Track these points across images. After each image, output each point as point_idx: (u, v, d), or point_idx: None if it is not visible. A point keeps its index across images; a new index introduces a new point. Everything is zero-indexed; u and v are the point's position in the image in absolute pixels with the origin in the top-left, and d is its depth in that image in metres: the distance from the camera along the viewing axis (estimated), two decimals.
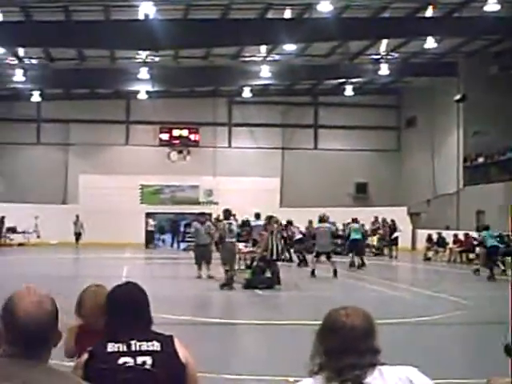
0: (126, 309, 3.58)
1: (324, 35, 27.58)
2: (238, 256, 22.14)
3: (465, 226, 34.10)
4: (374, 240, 37.59)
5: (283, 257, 21.42)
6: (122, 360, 3.41)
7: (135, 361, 3.41)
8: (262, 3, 28.00)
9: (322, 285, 21.99)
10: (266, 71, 35.55)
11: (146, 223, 41.99)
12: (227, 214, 21.16)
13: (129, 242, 38.41)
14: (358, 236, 28.71)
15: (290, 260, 29.58)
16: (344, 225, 33.58)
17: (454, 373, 9.23)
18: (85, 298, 4.42)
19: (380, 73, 36.08)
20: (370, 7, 28.35)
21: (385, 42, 32.81)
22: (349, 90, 41.10)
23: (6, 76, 35.97)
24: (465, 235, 31.39)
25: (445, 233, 33.51)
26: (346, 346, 2.85)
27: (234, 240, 20.63)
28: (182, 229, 43.50)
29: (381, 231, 37.04)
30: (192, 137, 44.68)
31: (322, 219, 25.32)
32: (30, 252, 33.96)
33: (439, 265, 30.21)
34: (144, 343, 3.47)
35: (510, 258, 25.85)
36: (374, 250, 37.29)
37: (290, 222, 31.73)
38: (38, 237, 38.90)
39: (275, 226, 20.87)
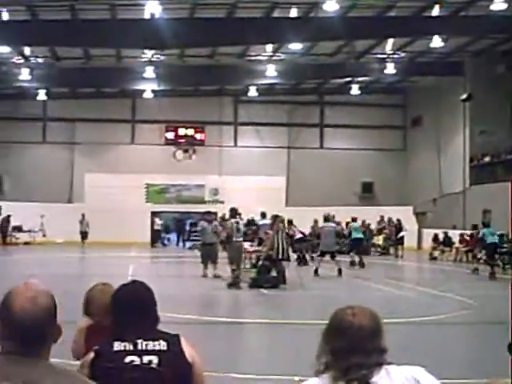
0: (132, 307, 3.57)
1: (330, 34, 27.53)
2: (243, 255, 22.13)
3: (471, 225, 33.99)
4: (379, 239, 37.58)
5: (289, 256, 21.39)
6: (128, 359, 3.40)
7: (141, 360, 3.40)
8: (267, 2, 27.99)
9: (327, 284, 21.99)
10: (271, 70, 35.52)
11: (153, 222, 42.04)
12: (234, 212, 21.13)
13: (134, 240, 38.47)
14: (360, 235, 28.83)
15: (288, 259, 29.59)
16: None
17: (460, 372, 9.21)
18: (92, 296, 4.42)
19: (386, 72, 36.01)
20: (376, 6, 28.32)
21: (391, 41, 32.74)
22: (355, 89, 41.05)
23: (12, 75, 36.04)
24: (470, 235, 31.34)
25: (451, 232, 33.44)
26: (352, 345, 2.85)
27: (240, 239, 20.64)
28: (187, 228, 43.59)
29: (386, 231, 37.02)
30: (198, 136, 44.67)
31: (327, 218, 25.43)
32: (36, 251, 34.01)
33: (445, 264, 30.16)
34: (150, 342, 3.46)
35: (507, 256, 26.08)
36: (379, 249, 37.29)
37: (290, 222, 31.72)
38: (44, 236, 38.99)
39: (281, 225, 20.86)
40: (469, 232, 31.89)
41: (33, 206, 38.80)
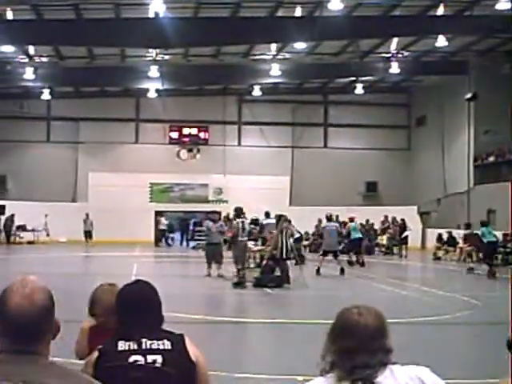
0: (136, 307, 3.56)
1: (334, 33, 27.52)
2: (248, 254, 22.15)
3: (475, 225, 33.94)
4: (383, 239, 37.57)
5: (292, 255, 21.43)
6: (132, 358, 3.39)
7: (146, 359, 3.39)
8: (272, 1, 27.98)
9: (331, 284, 22.01)
10: (276, 69, 35.49)
11: (158, 222, 42.08)
12: (239, 212, 21.11)
13: (138, 240, 38.52)
14: (359, 235, 29.00)
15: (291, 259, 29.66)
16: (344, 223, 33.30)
17: (464, 373, 9.19)
18: (98, 296, 4.40)
19: (390, 71, 35.93)
20: (381, 5, 28.28)
21: (395, 40, 32.69)
22: (359, 89, 40.99)
23: (16, 74, 36.06)
24: (475, 234, 31.31)
25: (455, 232, 33.40)
26: (359, 345, 2.84)
27: (245, 239, 20.67)
28: (191, 227, 43.59)
29: (391, 230, 37.00)
30: (202, 135, 44.66)
31: (329, 218, 25.54)
32: (40, 250, 34.04)
33: (449, 264, 30.11)
34: (155, 342, 3.45)
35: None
36: (383, 249, 37.28)
37: (289, 221, 31.71)
38: (48, 235, 39.03)
39: (285, 224, 20.85)
40: (461, 232, 31.96)
41: (36, 206, 38.87)
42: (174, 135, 44.44)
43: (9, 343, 2.41)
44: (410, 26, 28.50)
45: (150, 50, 33.58)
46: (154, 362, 3.39)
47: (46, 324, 2.46)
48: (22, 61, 35.38)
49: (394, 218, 37.45)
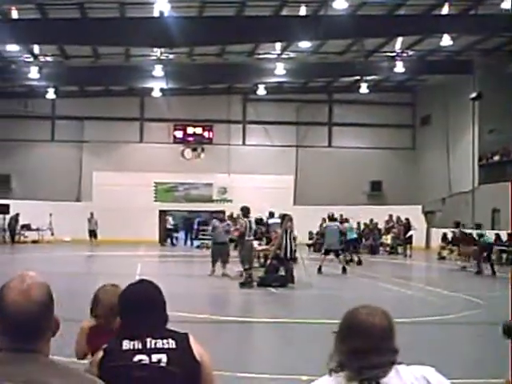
0: (141, 306, 3.55)
1: (339, 33, 27.49)
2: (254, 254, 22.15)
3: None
4: (387, 238, 37.55)
5: (297, 255, 21.47)
6: (137, 358, 3.39)
7: (150, 358, 3.39)
8: (276, 0, 27.96)
9: (335, 283, 22.00)
10: (280, 69, 35.45)
11: (164, 221, 42.14)
12: (246, 211, 21.07)
13: (142, 239, 38.57)
14: (354, 235, 29.79)
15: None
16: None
17: (469, 372, 9.18)
18: (100, 297, 4.39)
19: (395, 70, 35.88)
20: (386, 4, 28.25)
21: (400, 39, 32.66)
22: (364, 88, 40.94)
23: (21, 73, 36.13)
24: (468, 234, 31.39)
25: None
26: (370, 345, 2.84)
27: (252, 238, 20.68)
28: (195, 226, 43.63)
29: (395, 230, 36.98)
30: (206, 134, 44.68)
31: (331, 218, 25.74)
32: (44, 249, 34.09)
33: (454, 264, 30.06)
34: (159, 341, 3.44)
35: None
36: (388, 248, 37.26)
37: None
38: (52, 234, 39.10)
39: (289, 224, 20.84)
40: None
41: (41, 205, 38.92)
42: (179, 134, 44.47)
43: (8, 341, 2.38)
44: (414, 25, 28.45)
45: (155, 49, 33.62)
46: (159, 361, 3.38)
47: (44, 321, 2.42)
48: (26, 60, 35.45)
49: (398, 218, 37.44)
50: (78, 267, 25.29)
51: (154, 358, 3.39)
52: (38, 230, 39.33)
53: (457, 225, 31.31)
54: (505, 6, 25.81)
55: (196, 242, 40.77)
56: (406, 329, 11.16)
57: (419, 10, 28.57)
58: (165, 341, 3.45)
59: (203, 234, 38.96)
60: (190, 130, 44.48)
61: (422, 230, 38.60)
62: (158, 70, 35.11)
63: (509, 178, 33.60)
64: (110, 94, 43.01)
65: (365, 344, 2.84)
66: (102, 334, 4.12)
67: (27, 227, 39.57)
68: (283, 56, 35.30)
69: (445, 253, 32.97)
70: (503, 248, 30.40)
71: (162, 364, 3.39)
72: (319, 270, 23.76)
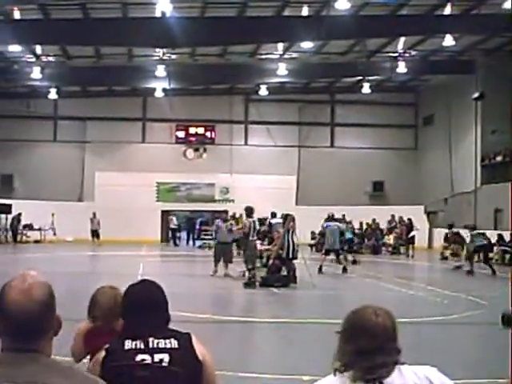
0: (143, 306, 3.56)
1: (341, 33, 27.47)
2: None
3: (483, 224, 33.90)
4: (390, 239, 37.54)
5: (299, 255, 21.50)
6: (139, 357, 3.39)
7: (153, 358, 3.39)
8: (279, 1, 27.94)
9: (338, 283, 22.01)
10: (282, 69, 35.45)
11: (167, 221, 42.16)
12: (250, 211, 21.08)
13: (145, 239, 38.59)
14: (350, 236, 30.45)
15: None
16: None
17: (472, 372, 9.17)
18: (97, 299, 4.39)
19: (397, 70, 35.84)
20: (388, 4, 28.22)
21: (402, 39, 32.63)
22: (366, 88, 40.87)
23: (23, 73, 36.15)
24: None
25: (462, 232, 33.31)
26: (374, 345, 2.85)
27: (255, 238, 20.71)
28: (197, 226, 43.68)
29: (397, 230, 36.97)
30: (208, 134, 44.65)
31: (331, 218, 25.88)
32: (46, 249, 34.11)
33: (456, 264, 30.03)
34: (161, 340, 3.45)
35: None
36: (390, 248, 37.25)
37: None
38: (54, 234, 39.11)
39: (292, 224, 20.84)
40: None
41: (43, 205, 38.94)
42: (181, 134, 44.46)
43: (8, 341, 2.37)
44: (417, 26, 28.42)
45: (157, 50, 33.61)
46: (161, 360, 3.39)
47: (45, 320, 2.41)
48: (29, 60, 35.46)
49: (400, 218, 37.43)
50: (80, 267, 25.29)
51: (157, 357, 3.40)
52: (40, 229, 39.37)
53: (450, 226, 31.53)
54: (507, 5, 25.79)
55: (198, 242, 40.80)
56: (408, 329, 11.15)
57: (422, 10, 28.55)
58: (167, 340, 3.45)
59: (205, 234, 39.00)
60: (192, 130, 44.47)
61: (424, 230, 38.59)
62: (161, 71, 35.12)
63: (511, 179, 33.63)
64: (113, 95, 43.02)
65: (369, 344, 2.84)
66: (99, 336, 4.12)
67: (29, 227, 39.62)
68: (285, 56, 35.28)
69: (447, 253, 32.95)
70: (506, 248, 30.40)
71: (164, 364, 3.39)
72: (320, 269, 23.86)
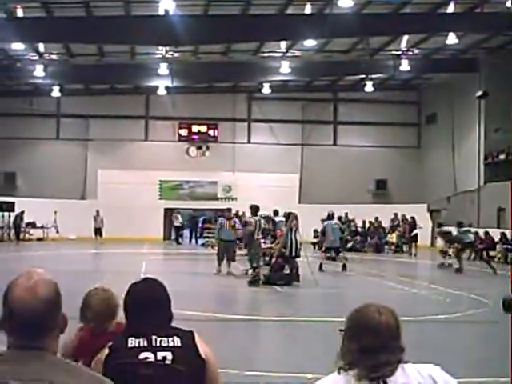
0: (146, 304, 3.56)
1: (344, 31, 27.44)
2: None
3: (486, 223, 33.89)
4: (393, 237, 37.51)
5: (302, 253, 21.51)
6: (142, 355, 3.39)
7: (156, 356, 3.39)
8: None
9: (340, 281, 22.02)
10: (285, 67, 35.44)
11: (171, 219, 42.16)
12: (255, 210, 21.08)
13: (147, 237, 38.61)
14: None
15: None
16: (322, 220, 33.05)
17: (476, 371, 9.16)
18: (91, 301, 4.37)
19: (401, 69, 35.85)
20: (391, 3, 28.20)
21: (406, 37, 32.61)
22: (369, 86, 40.85)
23: (26, 71, 36.17)
24: (485, 233, 31.32)
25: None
26: (378, 343, 2.85)
27: (260, 236, 20.73)
28: (200, 224, 43.69)
29: (400, 228, 36.95)
30: (211, 132, 44.68)
31: (331, 216, 25.94)
32: (49, 247, 34.16)
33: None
34: (164, 339, 3.45)
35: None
36: (393, 247, 37.22)
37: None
38: (57, 232, 39.13)
39: (294, 222, 20.85)
40: (483, 230, 31.94)
41: (46, 203, 38.96)
42: (184, 132, 44.49)
43: (14, 339, 2.38)
44: (420, 24, 28.40)
45: (160, 48, 33.62)
46: (164, 358, 3.39)
47: (51, 318, 2.41)
48: (32, 58, 35.49)
49: (403, 216, 37.40)
50: (83, 265, 25.29)
51: (160, 355, 3.40)
52: (42, 227, 39.41)
53: (439, 224, 31.65)
54: (510, 4, 25.75)
55: (201, 240, 40.82)
56: (411, 327, 11.14)
57: (425, 8, 28.53)
58: (170, 339, 3.45)
59: (208, 232, 39.01)
60: (194, 128, 44.50)
61: (427, 228, 38.55)
62: (164, 69, 35.12)
63: None
64: (115, 92, 43.04)
65: (373, 342, 2.84)
66: (93, 337, 4.13)
67: (32, 225, 39.66)
68: (288, 54, 35.26)
69: (450, 251, 32.88)
70: (508, 247, 30.37)
71: (168, 362, 3.39)
72: (320, 267, 23.96)
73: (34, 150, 43.07)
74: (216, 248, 23.99)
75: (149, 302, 3.56)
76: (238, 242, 24.90)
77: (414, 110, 46.14)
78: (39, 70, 35.20)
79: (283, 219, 23.27)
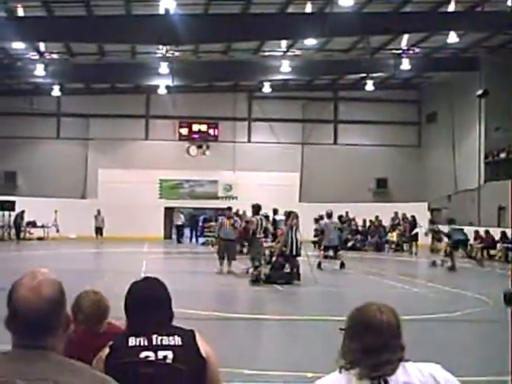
0: (147, 303, 3.56)
1: (345, 30, 27.45)
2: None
3: (486, 222, 33.88)
4: (393, 236, 37.50)
5: (303, 252, 21.53)
6: (143, 354, 3.39)
7: (156, 355, 3.39)
8: None
9: (341, 280, 22.02)
10: (286, 66, 35.44)
11: (172, 218, 42.17)
12: (257, 209, 21.08)
13: (148, 236, 38.61)
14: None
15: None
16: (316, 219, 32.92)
17: (476, 370, 9.16)
18: (82, 303, 4.38)
19: (401, 68, 35.83)
20: (392, 1, 28.19)
21: (406, 36, 32.60)
22: (369, 85, 40.81)
23: (26, 70, 36.16)
24: (485, 232, 31.31)
25: (466, 229, 33.28)
26: (379, 342, 2.85)
27: (262, 236, 20.73)
28: (200, 223, 43.69)
29: (401, 227, 36.94)
30: (211, 131, 44.68)
31: (330, 215, 26.00)
32: (50, 246, 34.16)
33: (459, 261, 30.02)
34: (165, 337, 3.45)
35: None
36: (393, 245, 37.21)
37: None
38: (58, 231, 39.12)
39: (295, 221, 20.85)
40: (483, 229, 31.95)
41: (46, 202, 38.93)
42: (184, 132, 44.49)
43: (18, 338, 2.39)
44: (420, 23, 28.39)
45: (161, 47, 33.58)
46: (165, 357, 3.39)
47: (54, 317, 2.42)
48: (32, 57, 35.47)
49: (404, 215, 37.40)
50: (84, 264, 25.29)
51: (160, 354, 3.40)
52: (43, 226, 39.39)
53: (432, 222, 31.66)
54: (510, 3, 25.73)
55: (201, 239, 40.84)
56: (412, 326, 11.14)
57: (425, 7, 28.53)
58: (171, 338, 3.45)
59: (208, 231, 39.01)
60: (195, 128, 44.50)
61: (427, 227, 38.49)
62: (164, 68, 35.11)
63: None
64: (116, 92, 43.05)
65: (374, 341, 2.85)
66: (84, 338, 4.13)
67: (33, 224, 39.65)
68: (289, 53, 35.26)
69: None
70: (509, 245, 30.37)
71: (168, 361, 3.39)
72: (319, 265, 24.03)
73: (35, 149, 43.07)
74: (216, 247, 23.99)
75: (149, 301, 3.56)
76: (244, 242, 24.92)
77: (415, 108, 46.13)
78: (40, 69, 35.19)
79: (283, 218, 23.28)
